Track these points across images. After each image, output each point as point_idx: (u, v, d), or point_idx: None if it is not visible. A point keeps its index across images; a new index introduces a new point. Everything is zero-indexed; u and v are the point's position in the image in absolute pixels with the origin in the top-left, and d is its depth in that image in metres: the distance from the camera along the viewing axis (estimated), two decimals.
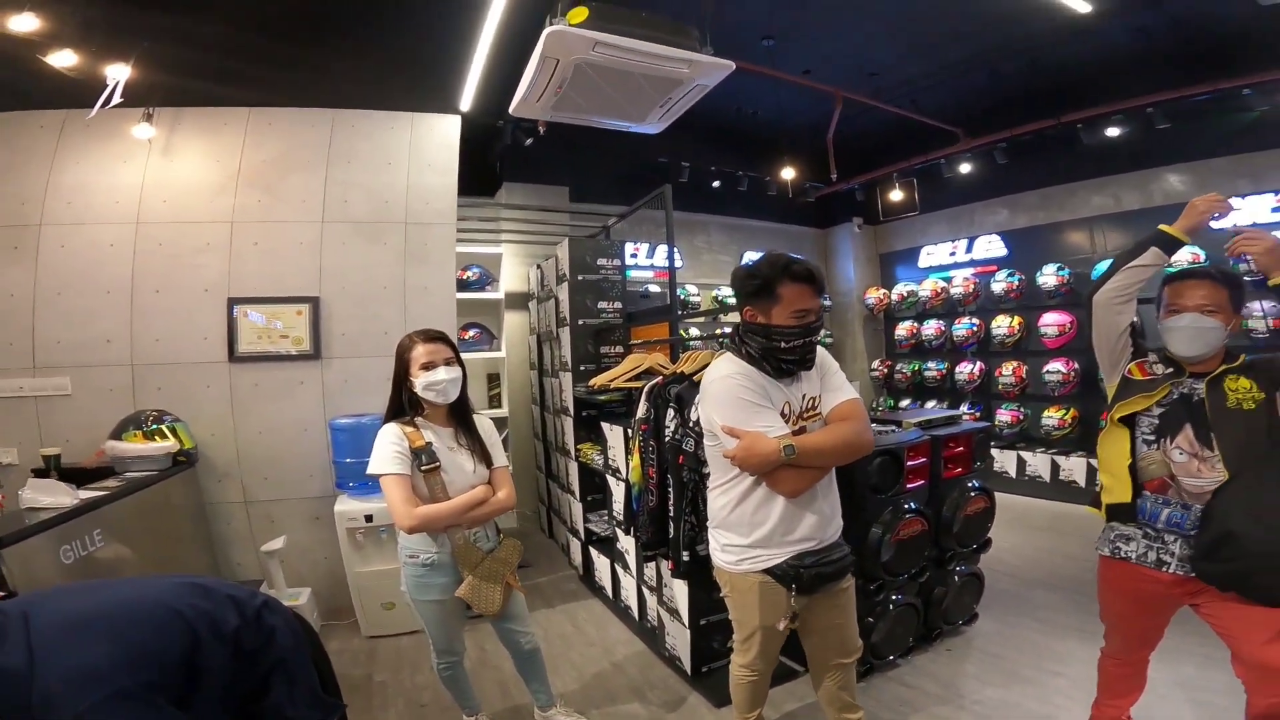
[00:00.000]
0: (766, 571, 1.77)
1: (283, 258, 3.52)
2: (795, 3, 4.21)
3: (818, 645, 1.97)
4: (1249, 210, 4.64)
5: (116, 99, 2.94)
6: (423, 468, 1.93)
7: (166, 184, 3.39)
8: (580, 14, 1.93)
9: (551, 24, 1.94)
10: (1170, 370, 1.77)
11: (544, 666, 2.40)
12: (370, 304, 3.64)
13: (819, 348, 1.86)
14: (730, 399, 1.73)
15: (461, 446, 2.07)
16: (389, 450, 1.92)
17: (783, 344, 1.73)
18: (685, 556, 2.45)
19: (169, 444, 3.00)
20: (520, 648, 2.28)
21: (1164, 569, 1.71)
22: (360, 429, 3.28)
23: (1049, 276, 5.54)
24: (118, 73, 2.89)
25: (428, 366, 1.99)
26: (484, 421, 2.19)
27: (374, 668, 2.99)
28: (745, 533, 1.79)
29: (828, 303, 7.64)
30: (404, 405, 2.04)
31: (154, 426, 3.02)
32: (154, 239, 3.35)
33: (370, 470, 1.94)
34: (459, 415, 2.11)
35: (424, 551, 2.00)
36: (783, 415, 1.75)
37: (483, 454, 2.10)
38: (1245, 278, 4.31)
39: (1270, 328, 4.28)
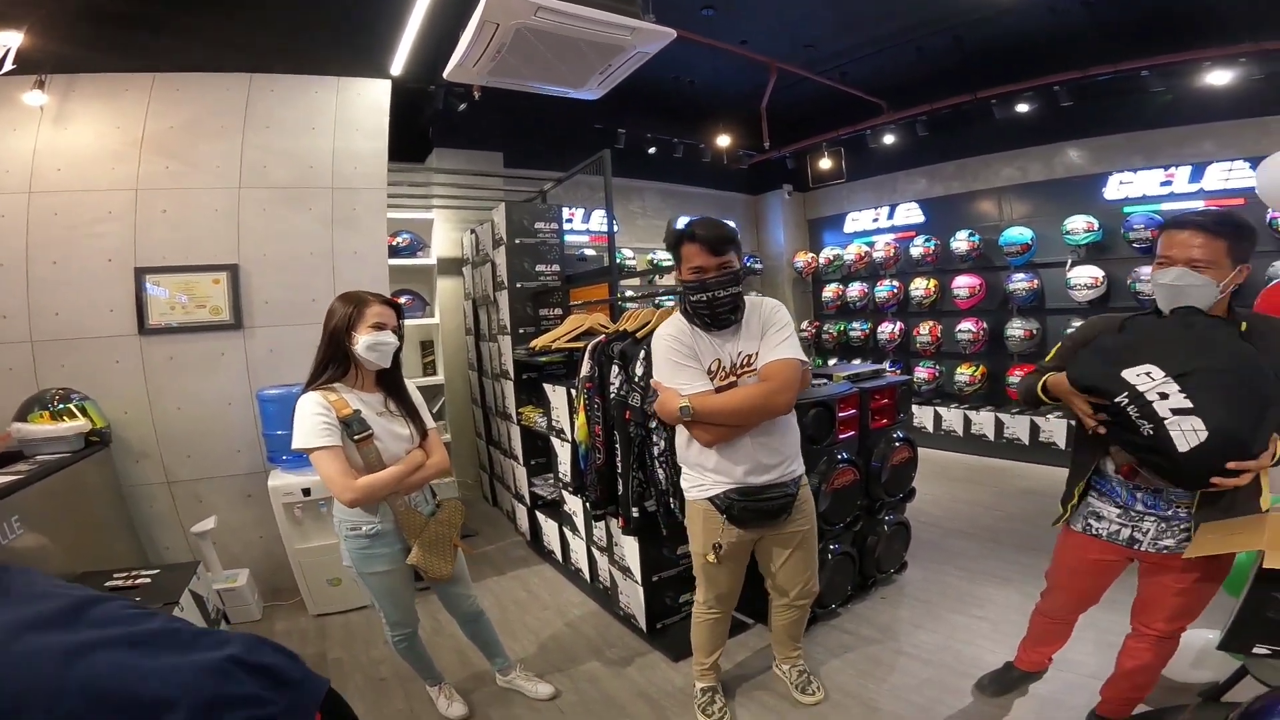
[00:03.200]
0: (710, 500, 1.97)
1: (195, 225, 3.30)
2: None
3: (772, 583, 2.18)
4: (1139, 184, 5.05)
5: (8, 66, 2.67)
6: (355, 437, 1.84)
7: (60, 152, 3.10)
8: None
9: None
10: None
11: (493, 628, 2.42)
12: (296, 271, 3.48)
13: (773, 304, 1.99)
14: (660, 357, 1.94)
15: (392, 413, 1.99)
16: (315, 422, 1.80)
17: (690, 298, 1.90)
18: (635, 513, 2.54)
19: (79, 423, 2.81)
20: (464, 610, 2.29)
21: (1135, 546, 1.72)
22: (291, 399, 3.07)
23: (961, 242, 5.88)
24: (9, 40, 2.64)
25: (379, 326, 1.91)
26: (409, 385, 2.13)
27: (326, 646, 2.94)
28: (694, 465, 2.00)
29: (758, 266, 7.82)
30: (330, 364, 1.92)
31: (61, 406, 2.81)
32: (48, 209, 3.07)
33: (296, 445, 1.81)
34: (389, 381, 2.03)
35: (365, 523, 1.93)
36: (710, 371, 1.90)
37: (416, 419, 2.04)
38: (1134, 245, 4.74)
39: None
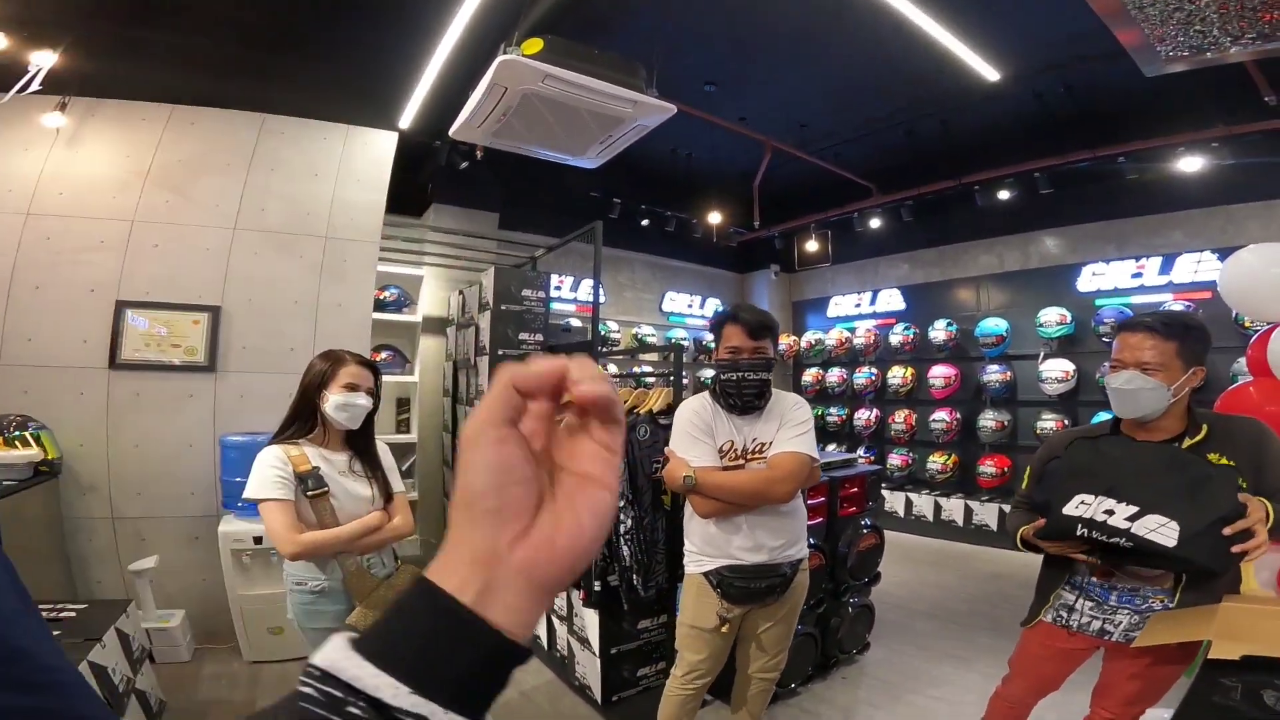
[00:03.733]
0: (704, 575, 1.99)
1: (184, 262, 3.31)
2: (742, 52, 4.42)
3: (743, 654, 2.15)
4: (1112, 275, 5.25)
5: (35, 86, 2.74)
6: (309, 493, 1.81)
7: (66, 176, 3.14)
8: (535, 45, 1.99)
9: (505, 52, 1.98)
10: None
11: None
12: (278, 318, 3.47)
13: (797, 400, 2.06)
14: (679, 428, 2.01)
15: (356, 473, 1.96)
16: (269, 474, 1.79)
17: (721, 376, 1.97)
18: (596, 586, 2.47)
19: (32, 452, 2.72)
20: None
21: (1106, 637, 1.70)
22: (255, 447, 3.01)
23: (939, 331, 6.04)
24: (43, 59, 2.72)
25: (352, 387, 1.89)
26: (381, 446, 2.09)
27: (257, 693, 2.82)
28: (694, 539, 2.03)
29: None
30: (297, 420, 1.91)
31: (16, 433, 2.72)
32: (42, 232, 3.08)
33: (247, 495, 1.80)
34: (359, 442, 2.00)
35: (312, 579, 1.88)
36: (722, 450, 1.96)
37: (382, 481, 2.01)
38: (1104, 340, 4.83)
39: None
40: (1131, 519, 1.45)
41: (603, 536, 0.38)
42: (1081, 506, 1.53)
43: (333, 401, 1.87)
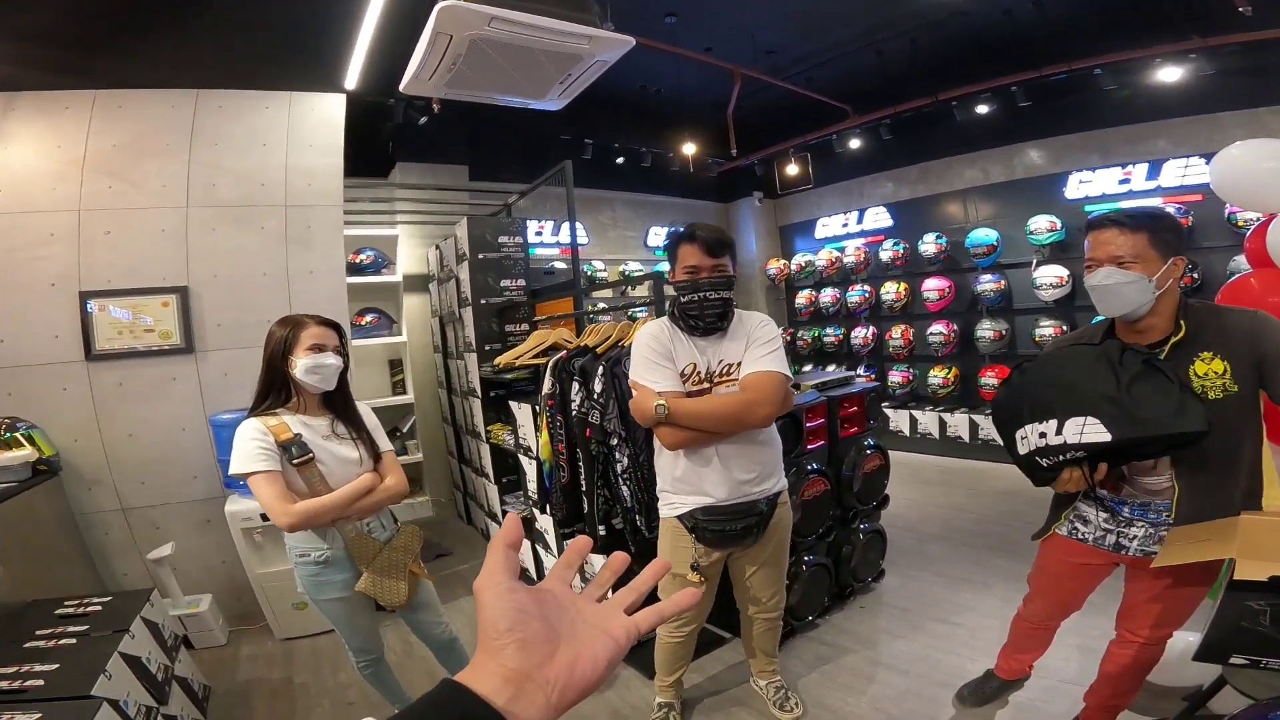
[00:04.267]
0: (678, 518, 1.94)
1: (141, 247, 3.20)
2: None
3: (741, 596, 2.16)
4: (1099, 183, 5.13)
5: None
6: (294, 461, 1.78)
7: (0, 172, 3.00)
8: None
9: None
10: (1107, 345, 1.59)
11: (466, 655, 2.35)
12: (248, 291, 3.39)
13: (762, 318, 1.98)
14: (636, 355, 1.91)
15: (340, 436, 1.92)
16: (250, 447, 1.76)
17: (682, 298, 1.89)
18: (602, 530, 2.48)
19: (26, 452, 2.69)
20: (436, 638, 2.21)
21: (1122, 551, 1.69)
22: None
23: (929, 245, 5.93)
24: None
25: (317, 349, 1.85)
26: (362, 406, 2.06)
27: (293, 670, 2.87)
28: (665, 479, 1.97)
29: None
30: (271, 391, 1.88)
31: (7, 435, 2.70)
32: None
33: (232, 471, 1.78)
34: (338, 403, 1.97)
35: (314, 549, 1.88)
36: (684, 374, 1.87)
37: (368, 442, 1.97)
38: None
39: None
40: (1059, 432, 1.48)
41: (606, 678, 0.47)
42: (1023, 443, 1.57)
43: (301, 366, 1.83)
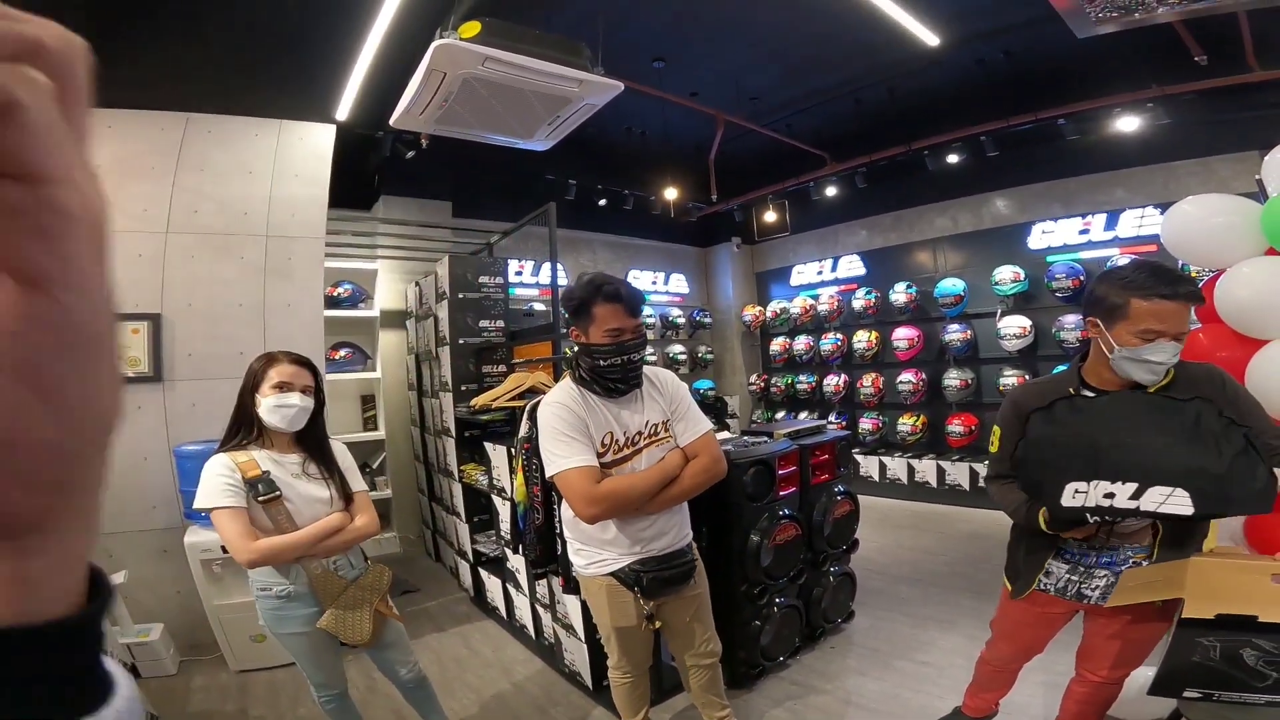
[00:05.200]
0: (613, 575, 1.89)
1: (117, 271, 3.12)
2: (687, 27, 4.36)
3: (678, 646, 2.13)
4: (1060, 233, 5.38)
5: None
6: (260, 499, 1.77)
7: None
8: (473, 28, 1.90)
9: (441, 37, 1.90)
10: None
11: (434, 696, 2.30)
12: (223, 322, 3.36)
13: (671, 376, 1.99)
14: (547, 428, 1.81)
15: (310, 475, 1.91)
16: (217, 483, 1.76)
17: (601, 362, 1.80)
18: (574, 572, 2.44)
19: None
20: (401, 678, 2.16)
21: (1084, 600, 1.70)
22: (210, 456, 3.00)
23: (900, 294, 6.11)
24: None
25: (283, 387, 1.83)
26: (338, 446, 2.04)
27: (248, 703, 2.77)
28: (590, 538, 1.91)
29: (707, 319, 7.90)
30: (239, 426, 1.87)
31: None
32: None
33: (196, 505, 1.77)
34: (310, 442, 1.94)
35: (276, 584, 1.85)
36: (603, 444, 1.83)
37: (340, 482, 1.95)
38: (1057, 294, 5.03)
39: (1079, 339, 4.97)
40: (1135, 497, 1.40)
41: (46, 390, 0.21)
42: (1078, 496, 1.48)
43: (265, 405, 1.82)
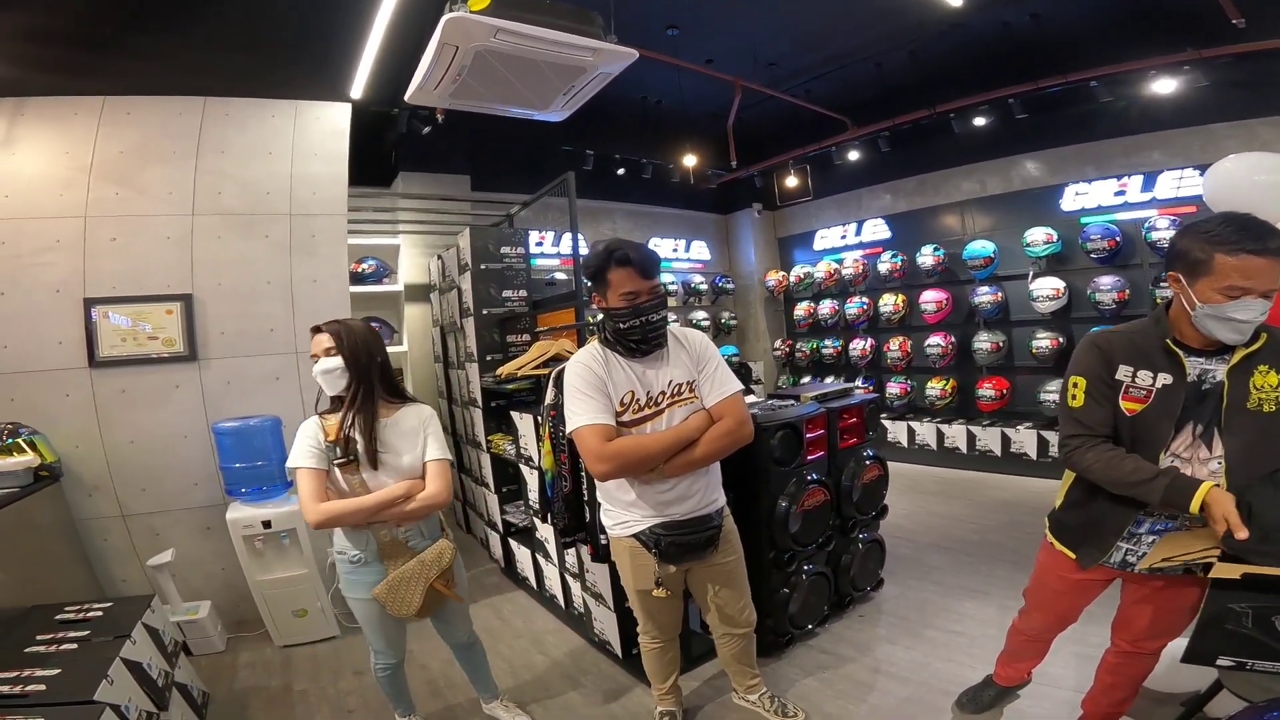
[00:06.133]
0: (635, 536, 1.93)
1: (146, 254, 3.22)
2: None
3: (707, 615, 2.16)
4: (1095, 194, 5.20)
5: None
6: (336, 461, 1.85)
7: (7, 178, 3.02)
8: (483, 1, 1.87)
9: (451, 10, 1.87)
10: (1170, 369, 1.49)
11: (485, 661, 2.42)
12: (252, 300, 3.41)
13: (701, 336, 2.00)
14: (568, 387, 1.87)
15: (388, 441, 1.95)
16: (302, 445, 1.87)
17: (621, 324, 1.84)
18: (603, 540, 2.48)
19: (28, 458, 2.70)
20: (456, 640, 2.29)
21: (1127, 569, 1.66)
22: (247, 432, 3.11)
23: (927, 256, 5.97)
24: None
25: (314, 359, 1.94)
26: (423, 410, 2.05)
27: (292, 677, 2.85)
28: (617, 499, 1.95)
29: (729, 285, 7.83)
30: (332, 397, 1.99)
31: (9, 441, 2.70)
32: None
33: (288, 464, 1.89)
34: (392, 409, 2.00)
35: (350, 549, 1.94)
36: (623, 403, 1.86)
37: (416, 449, 1.98)
38: (1092, 256, 4.89)
39: (1116, 300, 4.83)
40: None
41: None
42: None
43: (314, 375, 1.95)
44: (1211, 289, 1.37)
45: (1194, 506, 1.38)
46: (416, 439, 1.98)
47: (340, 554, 1.97)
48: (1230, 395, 1.43)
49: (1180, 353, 1.48)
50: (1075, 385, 1.60)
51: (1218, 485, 1.40)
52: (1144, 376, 1.51)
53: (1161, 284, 4.60)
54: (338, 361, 1.92)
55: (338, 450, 1.86)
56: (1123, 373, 1.53)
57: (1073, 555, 1.73)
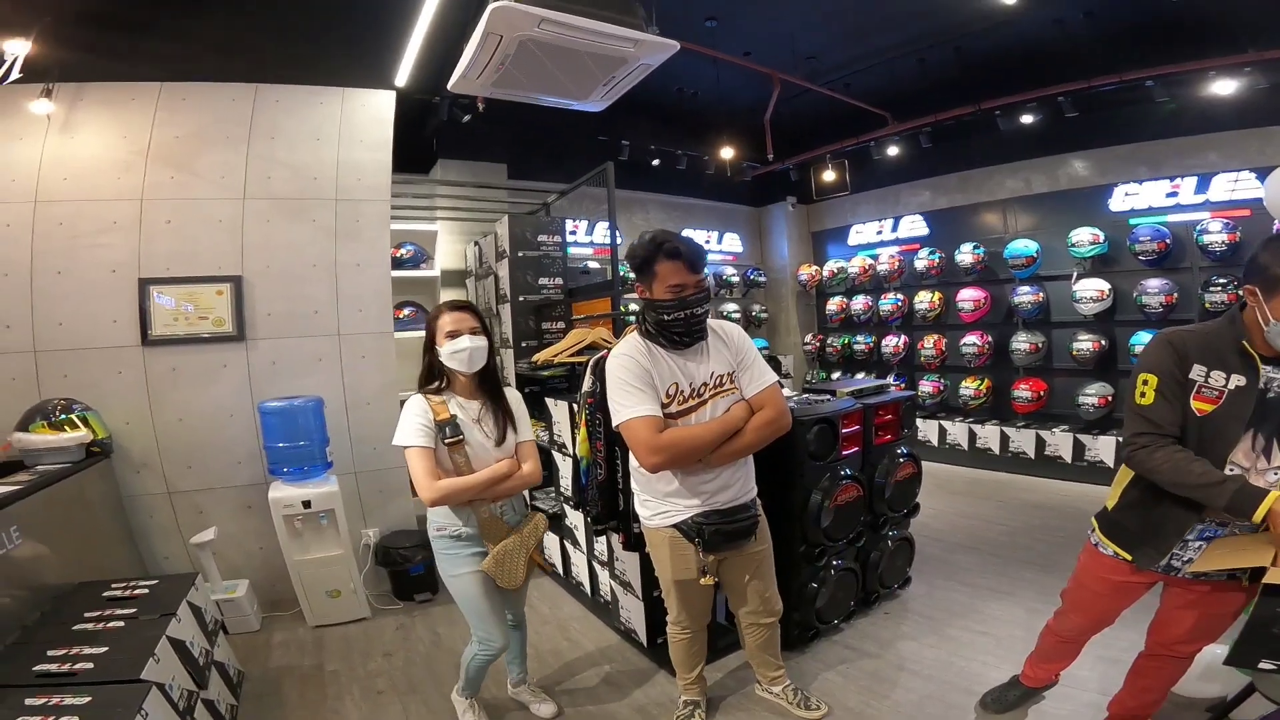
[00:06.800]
0: (675, 526, 1.95)
1: (199, 236, 3.31)
2: None
3: (737, 603, 2.18)
4: (1145, 195, 5.04)
5: (15, 75, 2.70)
6: (446, 440, 1.93)
7: (67, 161, 3.12)
8: None
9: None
10: (1243, 372, 1.48)
11: (525, 640, 2.47)
12: (298, 283, 3.49)
13: (738, 330, 2.02)
14: (613, 379, 1.89)
15: (487, 421, 2.05)
16: (413, 423, 1.93)
17: (665, 316, 1.86)
18: (636, 529, 2.51)
19: (81, 434, 2.79)
20: (515, 613, 2.34)
21: (1172, 573, 1.64)
22: (292, 412, 3.17)
23: (966, 255, 5.86)
24: (17, 48, 2.67)
25: (453, 335, 1.98)
26: (513, 394, 2.17)
27: (324, 657, 2.92)
28: (656, 490, 1.97)
29: (761, 279, 7.78)
30: (432, 374, 2.05)
31: (63, 416, 2.79)
32: (54, 218, 3.09)
33: (395, 442, 1.95)
34: (487, 387, 2.09)
35: (451, 525, 2.02)
36: (667, 394, 1.88)
37: (513, 429, 2.10)
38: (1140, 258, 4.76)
39: (1163, 304, 4.70)
40: None
41: None
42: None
43: (444, 353, 1.99)
44: None
45: (1258, 516, 1.36)
46: (521, 419, 2.13)
47: (440, 531, 2.03)
48: None
49: (1256, 356, 1.47)
50: (1146, 383, 1.56)
51: None
52: (1217, 377, 1.48)
53: (1211, 288, 4.48)
54: (484, 340, 2.02)
55: (446, 430, 1.93)
56: (1196, 372, 1.51)
57: (1129, 556, 1.69)
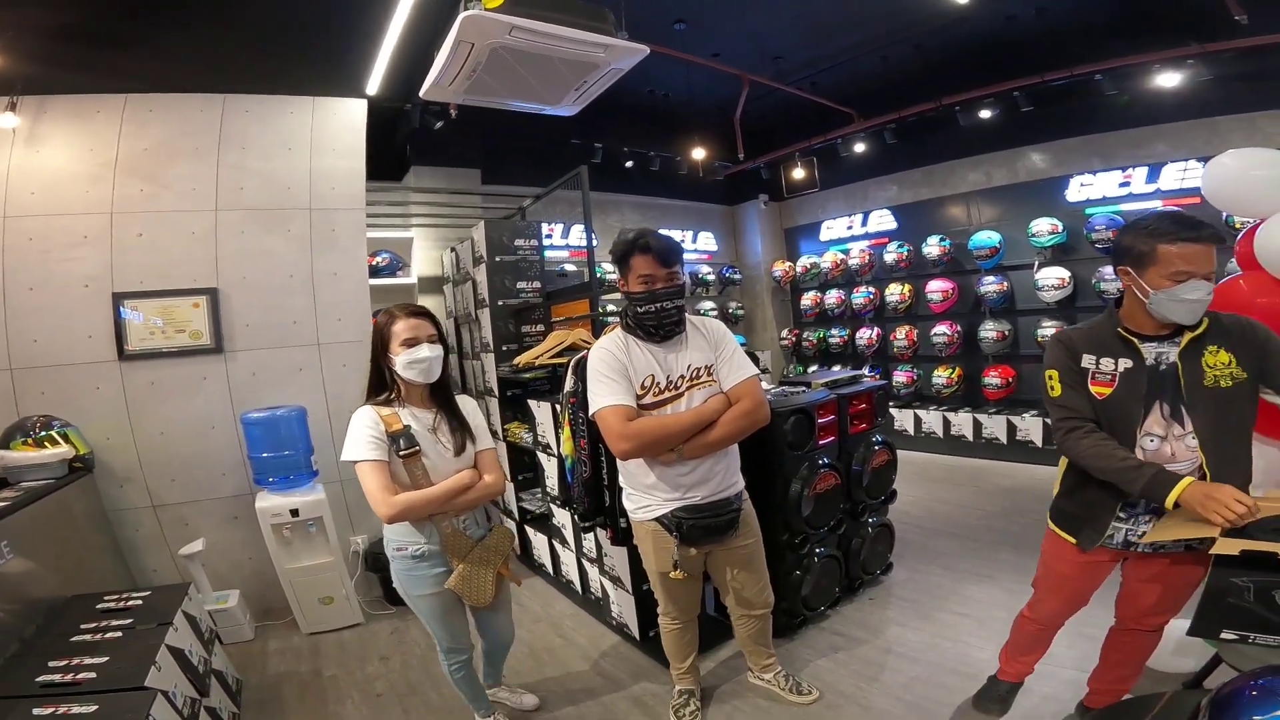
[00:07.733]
0: (657, 520, 2.00)
1: (172, 249, 3.29)
2: None
3: (728, 599, 2.23)
4: (1100, 185, 5.23)
5: None
6: (401, 453, 1.81)
7: (34, 175, 3.09)
8: None
9: (467, 8, 1.92)
10: (1127, 355, 1.63)
11: (507, 653, 2.44)
12: (276, 293, 3.48)
13: (718, 324, 2.07)
14: (590, 372, 1.95)
15: (443, 431, 1.94)
16: (363, 435, 1.81)
17: (639, 308, 1.93)
18: (623, 523, 2.55)
19: (62, 450, 2.77)
20: (499, 639, 2.28)
21: (1131, 549, 1.71)
22: (275, 422, 3.18)
23: (933, 247, 6.03)
24: None
25: (410, 343, 1.86)
26: (467, 402, 2.06)
27: (321, 663, 2.93)
28: (639, 482, 2.01)
29: (736, 276, 7.88)
30: (383, 384, 1.92)
31: (43, 433, 2.77)
32: (23, 233, 3.05)
33: (343, 457, 1.83)
34: (441, 397, 1.98)
35: (411, 543, 1.90)
36: (643, 387, 1.93)
37: (470, 438, 1.98)
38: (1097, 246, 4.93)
39: (1120, 289, 4.85)
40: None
41: None
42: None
43: (400, 363, 1.86)
44: (1159, 276, 1.52)
45: (1169, 502, 1.47)
46: (479, 428, 2.03)
47: (399, 550, 1.91)
48: (1186, 375, 1.55)
49: (1134, 339, 1.62)
50: (1051, 378, 1.74)
51: (1195, 477, 1.49)
52: (1106, 363, 1.65)
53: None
54: (440, 350, 1.91)
55: (400, 442, 1.82)
56: (1086, 360, 1.67)
57: (1073, 540, 1.79)
